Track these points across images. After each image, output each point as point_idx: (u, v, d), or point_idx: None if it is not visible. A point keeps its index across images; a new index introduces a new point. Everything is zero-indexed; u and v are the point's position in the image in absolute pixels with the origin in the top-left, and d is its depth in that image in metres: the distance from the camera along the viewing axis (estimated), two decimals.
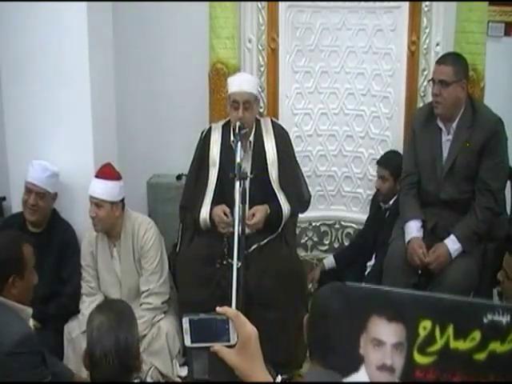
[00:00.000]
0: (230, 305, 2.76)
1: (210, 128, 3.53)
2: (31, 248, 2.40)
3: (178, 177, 4.27)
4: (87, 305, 3.26)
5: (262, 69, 3.97)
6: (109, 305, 2.38)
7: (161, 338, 3.28)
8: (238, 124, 3.31)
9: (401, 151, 3.73)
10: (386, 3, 3.92)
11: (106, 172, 3.29)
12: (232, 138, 3.31)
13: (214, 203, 3.36)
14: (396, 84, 3.97)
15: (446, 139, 3.30)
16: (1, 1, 3.37)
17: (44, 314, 3.13)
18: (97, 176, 3.28)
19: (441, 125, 3.31)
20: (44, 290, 3.09)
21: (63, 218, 3.49)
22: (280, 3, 3.92)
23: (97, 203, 3.23)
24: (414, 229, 3.29)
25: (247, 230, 3.07)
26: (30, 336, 2.24)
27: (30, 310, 2.38)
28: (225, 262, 3.26)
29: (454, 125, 3.27)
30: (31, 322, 2.65)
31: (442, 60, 3.32)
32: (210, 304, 2.85)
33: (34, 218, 3.38)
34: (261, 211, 3.32)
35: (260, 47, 3.95)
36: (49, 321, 3.17)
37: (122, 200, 3.33)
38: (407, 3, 3.84)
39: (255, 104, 3.40)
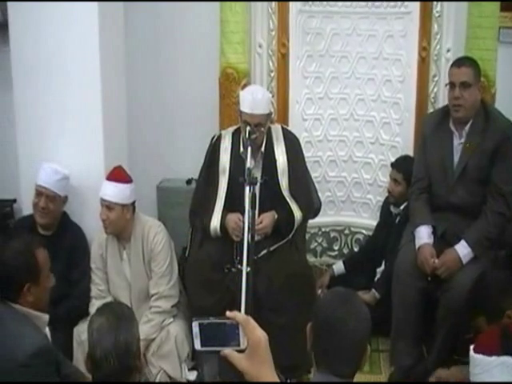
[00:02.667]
0: (239, 310, 2.75)
1: (220, 135, 3.52)
2: (45, 251, 2.36)
3: (188, 181, 4.29)
4: (96, 308, 3.26)
5: (273, 74, 3.97)
6: (108, 307, 2.38)
7: (170, 341, 3.28)
8: (248, 129, 3.29)
9: None
10: (396, 9, 3.93)
11: (117, 175, 3.30)
12: (242, 147, 3.31)
13: (225, 211, 3.36)
14: (406, 90, 3.97)
15: (458, 143, 3.29)
16: (13, 0, 3.39)
17: (54, 317, 3.11)
18: (108, 178, 3.29)
19: (453, 128, 3.31)
20: (54, 293, 3.09)
21: (73, 221, 3.50)
22: (290, 8, 3.92)
23: (108, 206, 3.24)
24: (424, 235, 3.28)
25: (256, 236, 3.07)
26: (45, 348, 2.20)
27: (46, 317, 2.34)
28: (233, 270, 3.26)
29: (467, 128, 3.27)
30: (47, 329, 2.66)
31: (460, 62, 3.31)
32: (218, 309, 2.90)
33: (45, 220, 3.40)
34: (268, 217, 3.32)
35: (270, 52, 3.95)
36: (59, 323, 3.12)
37: (133, 203, 3.34)
38: (418, 9, 3.83)
39: (267, 121, 3.38)
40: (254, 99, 3.31)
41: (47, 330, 2.41)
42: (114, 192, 3.24)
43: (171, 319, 3.35)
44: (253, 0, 3.86)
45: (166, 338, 3.28)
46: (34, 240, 2.44)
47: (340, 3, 3.98)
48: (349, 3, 3.98)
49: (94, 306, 3.31)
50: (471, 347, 2.50)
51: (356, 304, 1.84)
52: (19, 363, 2.11)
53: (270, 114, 3.41)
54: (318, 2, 3.98)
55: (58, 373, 2.32)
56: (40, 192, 3.37)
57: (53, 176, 3.38)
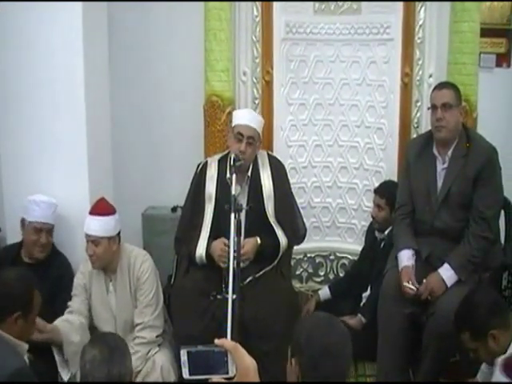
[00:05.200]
0: (225, 337, 2.73)
1: (206, 162, 3.55)
2: (40, 298, 2.40)
3: (173, 209, 4.30)
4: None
5: (257, 101, 4.02)
6: (102, 338, 2.38)
7: (156, 371, 3.24)
8: (232, 156, 3.35)
9: None
10: (379, 36, 4.01)
11: (101, 207, 3.26)
12: (228, 173, 3.33)
13: (211, 238, 3.37)
14: (390, 115, 4.04)
15: (442, 168, 3.33)
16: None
17: (37, 346, 3.10)
18: (91, 213, 3.24)
19: (436, 153, 3.36)
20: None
21: (59, 250, 3.50)
22: (274, 36, 3.98)
23: (93, 241, 3.20)
24: (405, 258, 3.32)
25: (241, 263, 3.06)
26: (23, 370, 2.21)
27: (25, 346, 2.37)
28: (219, 297, 3.25)
29: (450, 153, 3.32)
30: (26, 356, 2.65)
31: (441, 85, 3.40)
32: (205, 336, 2.89)
33: (44, 254, 3.41)
34: (250, 242, 3.33)
35: (255, 80, 4.01)
36: (42, 352, 3.09)
37: (119, 233, 3.32)
38: (400, 35, 3.92)
39: (258, 142, 3.44)
40: (250, 113, 3.53)
41: (26, 358, 2.41)
42: (99, 226, 3.20)
43: (156, 349, 3.32)
44: (239, 0, 3.91)
45: (151, 368, 3.24)
46: (34, 280, 2.47)
47: (323, 31, 4.06)
48: (331, 31, 4.05)
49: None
50: (498, 365, 2.51)
51: (339, 324, 1.88)
52: None
53: (260, 139, 3.47)
54: (301, 30, 4.05)
55: None
56: (39, 229, 3.37)
57: (48, 210, 3.39)
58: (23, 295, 2.32)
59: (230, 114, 3.84)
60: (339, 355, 1.79)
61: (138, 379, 3.22)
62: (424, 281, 3.22)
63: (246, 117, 3.44)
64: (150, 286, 3.31)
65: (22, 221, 3.41)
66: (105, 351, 2.17)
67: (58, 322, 3.18)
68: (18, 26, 3.41)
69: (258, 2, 3.91)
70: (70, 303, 3.33)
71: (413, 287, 3.20)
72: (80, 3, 3.39)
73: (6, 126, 3.52)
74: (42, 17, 3.38)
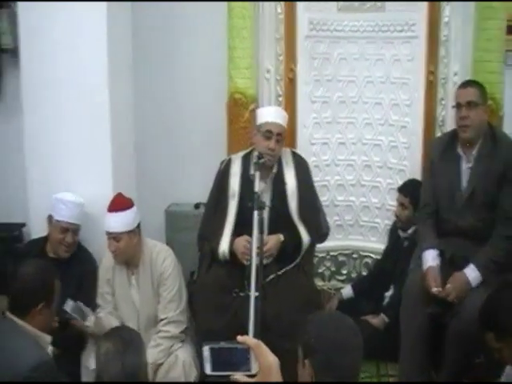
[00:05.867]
0: (247, 334, 2.69)
1: (230, 159, 3.56)
2: (60, 287, 2.46)
3: (196, 205, 4.31)
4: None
5: (280, 99, 4.02)
6: (116, 332, 2.42)
7: (178, 366, 3.27)
8: (256, 153, 3.38)
9: None
10: (403, 33, 3.99)
11: (118, 203, 3.28)
12: (252, 170, 3.33)
13: (234, 235, 3.38)
14: (414, 114, 4.01)
15: (466, 167, 3.31)
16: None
17: (62, 341, 3.13)
18: (110, 210, 3.25)
19: (461, 152, 3.33)
20: (62, 317, 3.12)
21: (85, 247, 3.53)
22: (298, 34, 3.99)
23: (115, 237, 3.23)
24: (429, 258, 3.29)
25: (264, 260, 3.08)
26: (46, 362, 2.26)
27: (48, 338, 2.41)
28: (241, 294, 3.25)
29: (475, 152, 3.30)
30: (50, 349, 2.70)
31: (466, 83, 3.38)
32: (226, 333, 2.81)
33: (69, 253, 3.44)
34: (273, 239, 3.34)
35: (278, 77, 4.01)
36: (67, 347, 3.14)
37: (138, 226, 3.33)
38: (425, 33, 3.90)
39: (284, 137, 3.46)
40: (277, 110, 3.57)
41: (50, 350, 2.46)
42: (119, 222, 3.22)
43: (179, 344, 3.34)
44: (262, 0, 3.92)
45: (174, 363, 3.27)
46: (54, 269, 2.53)
47: (347, 28, 4.05)
48: (355, 28, 4.04)
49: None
50: None
51: (347, 319, 1.87)
52: (21, 376, 2.16)
53: (285, 133, 3.48)
54: (325, 27, 4.05)
55: None
56: (65, 228, 3.40)
57: (75, 210, 3.42)
58: (45, 285, 2.38)
59: (253, 111, 3.86)
60: (351, 350, 1.78)
61: (161, 373, 3.25)
62: (449, 281, 3.19)
63: (273, 114, 3.46)
64: (173, 281, 3.33)
65: (49, 217, 3.45)
66: (119, 344, 2.19)
67: (103, 314, 3.27)
68: (44, 26, 3.45)
69: None
70: (98, 301, 3.37)
71: (439, 289, 3.17)
72: (104, 3, 3.42)
73: (31, 124, 3.56)
74: (67, 17, 3.42)
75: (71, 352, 3.24)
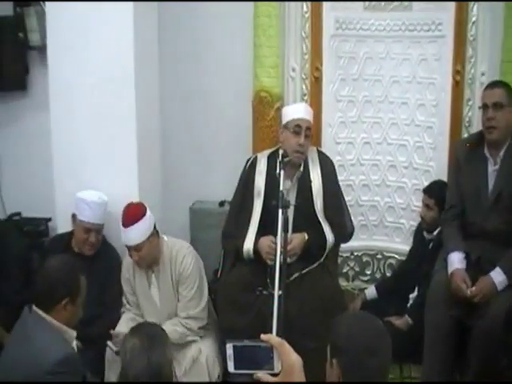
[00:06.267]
0: (270, 333, 2.64)
1: (256, 158, 3.56)
2: (86, 282, 2.47)
3: (221, 203, 4.32)
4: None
5: (306, 97, 4.01)
6: (141, 327, 2.42)
7: (201, 361, 3.29)
8: (281, 152, 3.38)
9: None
10: (430, 33, 3.96)
11: (131, 216, 3.21)
12: (278, 169, 3.30)
13: (259, 234, 3.38)
14: (440, 114, 3.98)
15: (493, 169, 3.28)
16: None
17: (87, 336, 3.12)
18: (124, 225, 3.20)
19: (487, 154, 3.30)
20: (87, 312, 3.14)
21: (109, 241, 3.56)
22: (324, 32, 3.98)
23: (135, 248, 3.22)
24: (455, 260, 3.26)
25: (288, 259, 3.09)
26: (71, 357, 2.28)
27: (73, 333, 2.43)
28: (265, 292, 3.27)
29: (501, 154, 3.26)
30: (74, 343, 2.72)
31: (493, 84, 3.34)
32: (249, 331, 2.89)
33: (93, 251, 3.47)
34: (297, 238, 3.34)
35: (303, 76, 4.01)
36: (91, 342, 3.18)
37: (154, 226, 3.30)
38: (452, 32, 3.86)
39: (311, 136, 3.46)
40: (304, 106, 3.59)
41: (74, 345, 2.47)
42: (136, 234, 3.19)
43: (196, 338, 3.34)
44: (288, 0, 3.91)
45: (197, 357, 3.29)
46: (80, 265, 2.55)
47: (373, 28, 4.03)
48: (382, 27, 4.03)
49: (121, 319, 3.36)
50: None
51: (376, 320, 1.85)
52: (45, 370, 2.18)
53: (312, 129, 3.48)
54: (351, 26, 4.04)
55: None
56: (88, 229, 3.42)
57: (98, 210, 3.43)
58: (69, 281, 2.39)
59: (278, 109, 3.86)
60: (379, 352, 1.77)
61: (184, 366, 3.25)
62: (475, 284, 3.16)
63: (301, 110, 3.47)
64: (193, 279, 3.32)
65: (73, 216, 3.48)
66: (144, 340, 2.19)
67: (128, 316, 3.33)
68: (71, 24, 3.50)
69: None
70: (123, 299, 3.41)
71: (472, 289, 3.14)
72: (131, 2, 3.45)
73: (58, 120, 3.60)
74: (94, 15, 3.46)
75: (96, 346, 3.26)
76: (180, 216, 4.31)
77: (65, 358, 2.22)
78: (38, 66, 4.33)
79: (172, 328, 3.19)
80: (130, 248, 3.25)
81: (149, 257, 3.28)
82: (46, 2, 3.60)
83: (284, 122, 3.47)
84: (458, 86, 3.90)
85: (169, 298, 3.36)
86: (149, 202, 3.51)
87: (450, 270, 3.25)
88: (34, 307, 2.35)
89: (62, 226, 3.64)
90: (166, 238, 3.40)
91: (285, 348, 1.47)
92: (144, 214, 3.22)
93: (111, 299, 3.45)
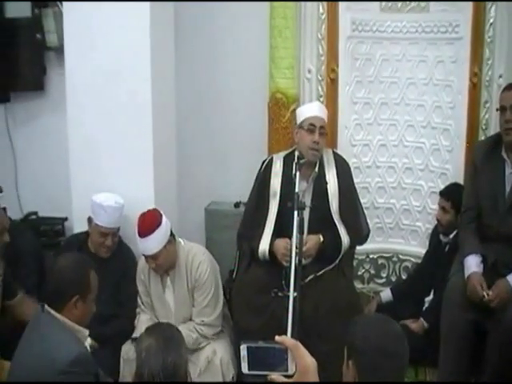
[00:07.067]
0: (285, 335, 2.62)
1: (272, 159, 3.55)
2: (97, 277, 2.46)
3: (236, 204, 4.30)
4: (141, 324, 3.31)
5: (321, 99, 3.99)
6: (158, 327, 2.43)
7: (215, 362, 3.28)
8: (296, 153, 3.39)
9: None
10: (447, 34, 3.93)
11: (146, 226, 3.17)
12: (294, 170, 3.30)
13: (274, 235, 3.38)
14: (457, 116, 3.96)
15: (510, 172, 3.26)
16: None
17: (102, 335, 3.14)
18: (140, 235, 3.17)
19: (505, 156, 3.28)
20: (103, 311, 3.14)
21: (124, 242, 3.57)
22: (340, 34, 3.96)
23: (152, 256, 3.21)
24: (473, 264, 3.24)
25: (303, 260, 3.09)
26: (84, 356, 2.27)
27: (86, 332, 2.42)
28: (280, 294, 3.25)
29: None
30: (88, 342, 2.73)
31: (510, 86, 3.31)
32: (264, 332, 2.88)
33: (109, 254, 3.48)
34: (312, 239, 3.32)
35: (319, 77, 3.99)
36: (107, 341, 3.19)
37: (171, 232, 3.28)
38: (469, 34, 3.82)
39: (326, 135, 3.46)
40: (318, 105, 3.57)
41: (87, 344, 2.48)
42: (153, 243, 3.17)
43: (208, 342, 3.34)
44: (304, 0, 3.91)
45: (211, 359, 3.28)
46: (91, 262, 2.53)
47: (389, 29, 4.02)
48: (398, 29, 4.01)
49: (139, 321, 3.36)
50: None
51: (394, 324, 1.85)
52: (58, 370, 2.17)
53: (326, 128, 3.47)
54: (367, 28, 4.02)
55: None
56: (105, 233, 3.43)
57: (114, 214, 3.43)
58: (79, 278, 2.37)
59: (294, 111, 3.83)
60: (396, 354, 1.77)
61: (199, 367, 3.25)
62: (492, 288, 3.14)
63: (315, 108, 3.46)
64: (208, 286, 3.31)
65: (89, 219, 3.48)
66: (160, 340, 2.20)
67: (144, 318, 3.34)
68: (88, 25, 3.52)
69: None
70: (139, 300, 3.41)
71: (489, 292, 3.12)
72: (148, 2, 3.46)
73: (75, 121, 3.62)
74: (111, 16, 3.48)
75: (111, 346, 3.27)
76: (195, 217, 4.33)
77: (77, 357, 2.22)
78: (55, 66, 4.35)
79: (187, 332, 3.17)
80: (146, 257, 3.24)
81: (166, 264, 3.27)
82: (63, 3, 3.63)
83: (299, 121, 3.47)
84: (474, 88, 3.86)
85: (184, 302, 3.35)
86: (164, 202, 3.58)
87: (467, 273, 3.23)
88: (46, 306, 2.35)
89: (78, 225, 3.65)
90: (182, 242, 3.39)
91: (299, 350, 1.47)
92: (160, 223, 3.19)
93: (127, 299, 3.46)
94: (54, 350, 2.23)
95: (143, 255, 3.27)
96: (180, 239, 3.39)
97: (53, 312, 2.33)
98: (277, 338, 1.50)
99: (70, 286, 2.35)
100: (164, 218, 3.23)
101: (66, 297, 2.33)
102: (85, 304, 2.38)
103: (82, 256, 2.65)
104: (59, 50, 4.08)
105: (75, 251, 3.36)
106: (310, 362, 1.47)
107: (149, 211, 3.27)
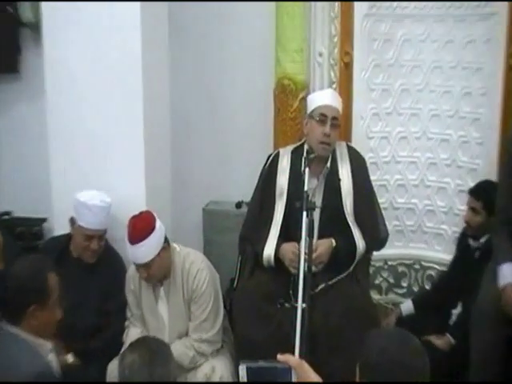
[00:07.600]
0: (292, 347, 2.73)
1: (278, 154, 3.54)
2: (57, 278, 2.42)
3: (238, 204, 4.31)
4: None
5: (334, 86, 3.99)
6: (142, 341, 2.42)
7: (215, 381, 3.23)
8: (305, 147, 3.38)
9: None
10: (479, 10, 3.93)
11: (138, 232, 3.11)
12: (303, 165, 3.28)
13: (281, 239, 3.36)
14: (489, 104, 3.93)
15: None
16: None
17: (86, 350, 3.13)
18: (131, 242, 3.10)
19: None
20: (87, 324, 3.11)
21: (111, 245, 3.52)
22: (355, 12, 3.98)
23: (144, 265, 3.14)
24: (508, 273, 3.16)
25: (313, 267, 3.05)
26: (46, 374, 2.22)
27: (49, 345, 2.39)
28: (287, 305, 3.25)
29: None
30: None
31: None
32: (269, 345, 2.94)
33: (95, 259, 3.42)
34: (323, 244, 3.30)
35: (332, 62, 4.00)
36: (91, 358, 3.16)
37: (165, 238, 3.23)
38: (506, 9, 3.79)
39: (339, 126, 3.42)
40: (331, 93, 3.55)
41: (50, 358, 2.44)
42: (145, 251, 3.10)
43: (207, 358, 3.30)
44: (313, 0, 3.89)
45: (210, 377, 3.22)
46: (47, 262, 2.52)
47: (412, 5, 4.00)
48: (422, 5, 4.00)
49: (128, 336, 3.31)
50: None
51: (414, 339, 1.82)
52: None
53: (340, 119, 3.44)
54: (386, 4, 4.02)
55: None
56: (90, 236, 3.37)
57: (101, 214, 3.36)
58: (33, 285, 2.35)
59: (303, 99, 3.90)
60: (415, 369, 1.75)
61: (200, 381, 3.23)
62: None
63: (327, 97, 3.44)
64: (207, 298, 3.26)
65: (72, 220, 3.42)
66: (145, 355, 2.21)
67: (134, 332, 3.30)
68: (77, 19, 3.45)
69: None
70: (128, 312, 3.36)
71: None
72: None
73: (55, 109, 3.56)
74: (100, 5, 3.41)
75: (97, 362, 3.22)
76: (192, 218, 4.33)
77: (38, 376, 2.17)
78: (31, 45, 4.40)
79: (183, 350, 3.17)
80: (138, 265, 3.18)
81: (159, 273, 3.21)
82: None
83: (309, 110, 3.45)
84: (511, 72, 3.83)
85: (179, 315, 3.29)
86: (157, 201, 3.57)
87: (501, 283, 3.14)
88: (3, 322, 2.32)
89: (59, 227, 3.59)
90: (177, 247, 3.33)
91: (304, 369, 1.45)
92: (153, 228, 3.13)
93: (114, 310, 3.39)
94: (11, 369, 2.17)
95: (134, 264, 3.21)
96: (175, 244, 3.34)
97: (7, 326, 2.30)
98: (279, 356, 1.48)
99: (23, 297, 2.32)
100: (158, 222, 3.18)
101: (22, 308, 2.30)
102: (45, 312, 2.35)
103: (38, 258, 2.63)
104: (35, 26, 4.02)
105: (55, 257, 3.31)
106: (314, 379, 1.43)
107: (140, 214, 3.20)
